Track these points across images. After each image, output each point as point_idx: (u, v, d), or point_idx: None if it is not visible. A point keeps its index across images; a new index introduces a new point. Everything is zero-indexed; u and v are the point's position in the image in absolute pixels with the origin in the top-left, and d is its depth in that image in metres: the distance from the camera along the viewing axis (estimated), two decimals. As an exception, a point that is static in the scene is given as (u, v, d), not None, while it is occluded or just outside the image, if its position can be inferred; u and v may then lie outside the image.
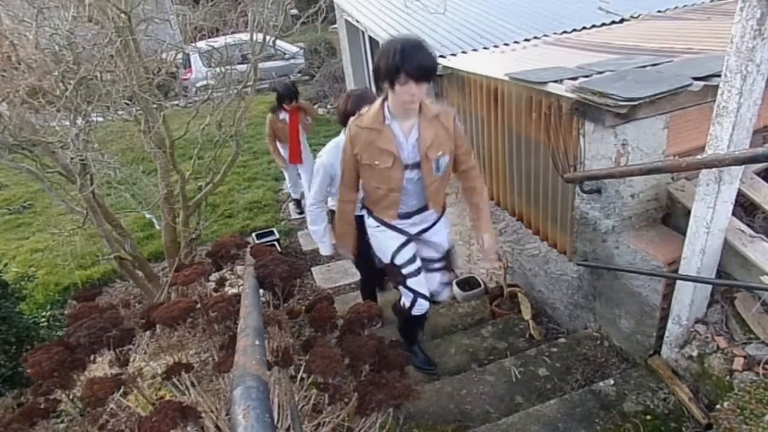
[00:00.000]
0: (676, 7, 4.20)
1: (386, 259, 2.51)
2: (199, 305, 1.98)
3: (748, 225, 2.14)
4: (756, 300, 2.11)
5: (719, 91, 1.79)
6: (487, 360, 2.93)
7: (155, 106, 3.51)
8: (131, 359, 2.06)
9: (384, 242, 2.49)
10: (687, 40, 2.93)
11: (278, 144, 5.29)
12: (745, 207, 2.27)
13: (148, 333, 2.15)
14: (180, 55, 6.75)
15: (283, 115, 5.07)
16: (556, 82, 2.45)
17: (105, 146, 4.22)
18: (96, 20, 3.33)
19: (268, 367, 1.50)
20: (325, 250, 2.96)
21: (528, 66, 2.88)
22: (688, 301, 2.16)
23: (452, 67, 3.49)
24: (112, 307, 2.16)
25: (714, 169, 1.86)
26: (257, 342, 1.48)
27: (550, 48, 3.62)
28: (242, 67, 4.39)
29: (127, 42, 3.24)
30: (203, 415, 1.74)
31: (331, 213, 2.82)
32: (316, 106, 8.85)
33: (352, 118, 2.28)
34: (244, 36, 4.41)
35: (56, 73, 3.23)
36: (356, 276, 3.98)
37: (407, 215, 2.40)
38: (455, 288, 3.74)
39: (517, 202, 3.30)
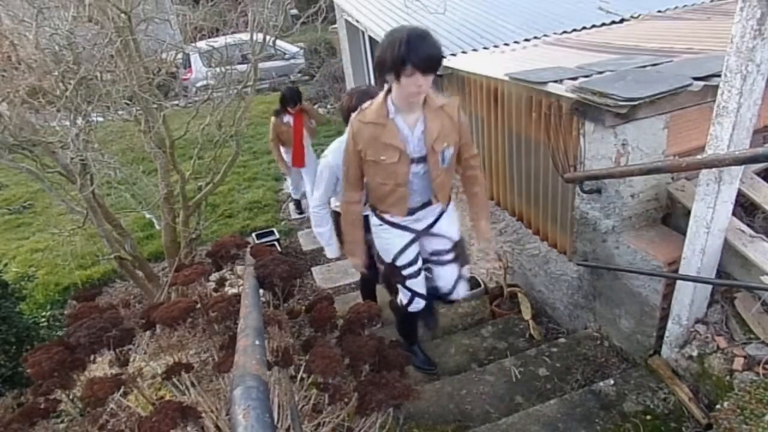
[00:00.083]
0: (676, 7, 4.20)
1: (388, 260, 2.47)
2: (199, 305, 1.98)
3: (748, 225, 2.14)
4: (756, 300, 2.11)
5: (719, 91, 1.79)
6: (487, 360, 2.93)
7: (155, 106, 3.51)
8: (131, 359, 2.07)
9: (389, 241, 2.43)
10: (687, 40, 2.93)
11: (282, 148, 5.29)
12: (745, 207, 2.27)
13: (148, 333, 2.15)
14: (180, 55, 6.75)
15: (287, 118, 5.09)
16: (556, 82, 2.44)
17: (105, 146, 4.22)
18: (96, 20, 3.33)
19: (268, 367, 1.50)
20: (331, 253, 2.86)
21: (528, 66, 2.88)
22: (688, 301, 2.16)
23: (452, 67, 3.49)
24: (112, 307, 2.17)
25: (714, 169, 1.87)
26: (257, 342, 1.48)
27: (550, 48, 3.62)
28: (242, 67, 4.40)
29: (127, 42, 3.24)
30: (203, 415, 1.74)
31: (335, 214, 2.77)
32: (316, 106, 8.86)
33: (353, 114, 2.21)
34: (244, 36, 4.42)
35: (56, 73, 3.23)
36: (356, 276, 3.97)
37: (411, 211, 2.35)
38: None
39: (517, 202, 3.30)
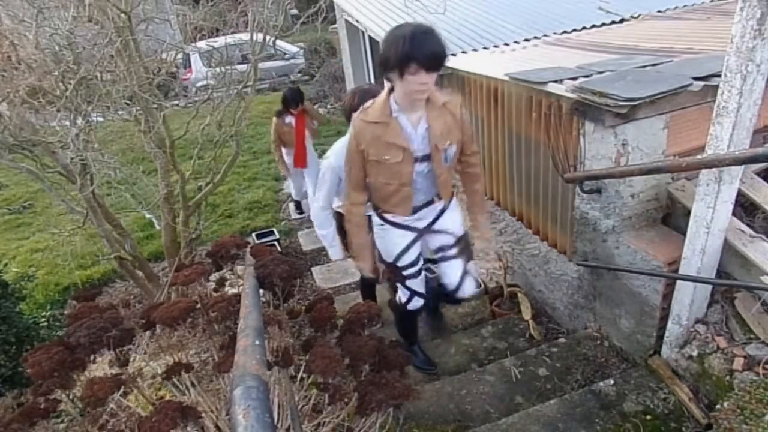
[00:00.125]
0: (676, 7, 4.20)
1: (390, 260, 2.47)
2: (199, 305, 1.98)
3: (748, 225, 2.14)
4: (756, 300, 2.11)
5: (719, 91, 1.79)
6: (487, 360, 2.93)
7: (155, 106, 3.50)
8: (131, 359, 2.06)
9: (391, 241, 2.42)
10: (687, 40, 2.93)
11: (283, 149, 5.29)
12: (745, 207, 2.27)
13: (148, 333, 2.15)
14: (180, 55, 6.74)
15: (289, 119, 5.08)
16: (556, 82, 2.44)
17: (105, 146, 4.22)
18: (96, 20, 3.33)
19: (268, 367, 1.50)
20: (335, 255, 2.85)
21: (528, 66, 2.88)
22: (688, 301, 2.16)
23: (452, 67, 3.49)
24: (112, 307, 2.17)
25: (714, 169, 1.87)
26: (257, 342, 1.47)
27: (550, 48, 3.62)
28: (242, 67, 4.39)
29: (127, 42, 3.24)
30: (203, 415, 1.74)
31: (338, 215, 2.75)
32: (316, 106, 8.86)
33: (355, 113, 2.19)
34: (244, 36, 4.42)
35: (56, 73, 3.23)
36: (356, 276, 3.97)
37: (414, 210, 2.34)
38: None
39: (517, 202, 3.30)
